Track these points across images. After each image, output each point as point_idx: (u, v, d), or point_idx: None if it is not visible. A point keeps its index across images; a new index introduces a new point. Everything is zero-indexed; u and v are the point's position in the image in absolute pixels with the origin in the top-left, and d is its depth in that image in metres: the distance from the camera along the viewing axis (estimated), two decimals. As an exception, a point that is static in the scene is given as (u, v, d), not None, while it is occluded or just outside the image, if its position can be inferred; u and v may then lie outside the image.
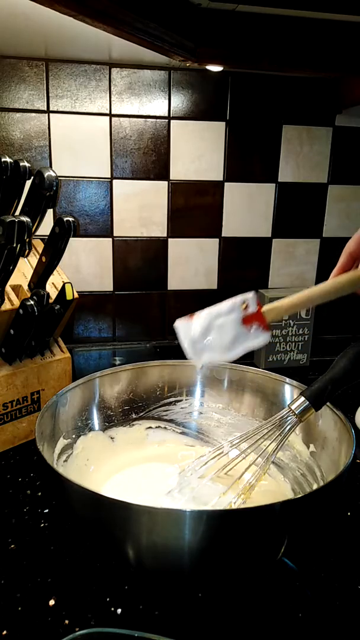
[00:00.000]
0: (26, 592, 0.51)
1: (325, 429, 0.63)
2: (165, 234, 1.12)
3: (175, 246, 1.13)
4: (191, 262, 1.15)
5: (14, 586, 0.51)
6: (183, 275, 1.15)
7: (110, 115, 1.03)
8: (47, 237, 0.73)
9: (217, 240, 1.15)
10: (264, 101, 1.08)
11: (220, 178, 1.11)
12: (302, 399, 0.57)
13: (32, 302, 0.68)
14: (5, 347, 0.73)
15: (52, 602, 0.49)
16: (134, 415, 0.74)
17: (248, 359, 1.10)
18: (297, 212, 1.16)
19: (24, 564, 0.54)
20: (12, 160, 0.71)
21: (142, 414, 0.75)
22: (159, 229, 1.11)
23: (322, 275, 1.19)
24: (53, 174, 0.69)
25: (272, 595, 0.51)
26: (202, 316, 0.55)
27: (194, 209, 1.11)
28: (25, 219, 0.61)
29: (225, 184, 1.11)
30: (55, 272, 0.78)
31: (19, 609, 0.49)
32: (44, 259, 0.75)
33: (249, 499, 0.58)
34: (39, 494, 0.66)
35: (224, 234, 1.14)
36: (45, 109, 1.00)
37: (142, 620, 0.48)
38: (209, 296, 1.17)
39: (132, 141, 1.05)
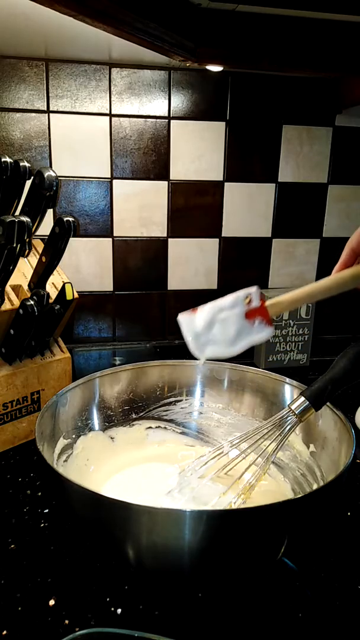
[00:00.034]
0: (26, 592, 0.51)
1: (325, 429, 0.63)
2: (165, 234, 1.12)
3: (175, 246, 1.13)
4: (191, 262, 1.15)
5: (14, 586, 0.51)
6: (183, 275, 1.15)
7: (110, 115, 1.03)
8: (47, 237, 0.73)
9: (217, 240, 1.15)
10: (264, 101, 1.08)
11: (220, 178, 1.11)
12: (302, 399, 0.57)
13: (32, 302, 0.68)
14: (5, 347, 0.73)
15: (52, 602, 0.49)
16: (134, 415, 0.74)
17: (248, 359, 1.10)
18: (297, 212, 1.16)
19: (24, 564, 0.54)
20: (12, 160, 0.71)
21: (142, 414, 0.75)
22: (159, 229, 1.11)
23: (322, 275, 1.19)
24: (53, 174, 0.69)
25: (272, 595, 0.51)
26: (205, 310, 0.55)
27: (194, 209, 1.11)
28: (25, 219, 0.61)
29: (225, 184, 1.11)
30: (55, 272, 0.78)
31: (19, 609, 0.49)
32: (44, 259, 0.75)
33: (249, 499, 0.58)
34: (39, 494, 0.66)
35: (224, 234, 1.14)
36: (45, 109, 1.00)
37: (142, 620, 0.48)
38: (209, 296, 1.16)
39: (132, 141, 1.05)
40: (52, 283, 0.82)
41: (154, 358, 1.09)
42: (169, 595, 0.51)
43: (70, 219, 0.70)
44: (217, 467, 0.61)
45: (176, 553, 0.47)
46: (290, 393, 0.69)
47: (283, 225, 1.17)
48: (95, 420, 0.70)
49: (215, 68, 0.94)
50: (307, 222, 1.18)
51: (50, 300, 0.74)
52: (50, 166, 1.03)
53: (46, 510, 0.62)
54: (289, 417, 0.57)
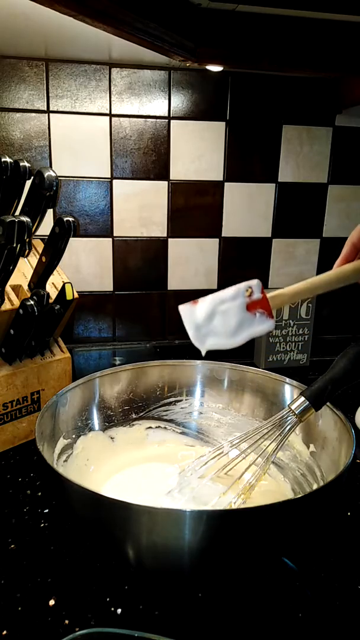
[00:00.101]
0: (26, 592, 0.51)
1: (325, 429, 0.63)
2: (165, 234, 1.12)
3: (175, 246, 1.13)
4: (191, 262, 1.15)
5: (14, 586, 0.51)
6: (183, 275, 1.15)
7: (110, 115, 1.03)
8: (47, 237, 0.73)
9: (217, 240, 1.15)
10: (264, 101, 1.08)
11: (220, 178, 1.11)
12: (302, 399, 0.57)
13: (32, 302, 0.68)
14: (5, 347, 0.73)
15: (52, 602, 0.49)
16: (134, 415, 0.74)
17: (248, 359, 1.10)
18: (297, 212, 1.16)
19: (24, 564, 0.54)
20: (12, 160, 0.71)
21: (142, 414, 0.75)
22: (159, 229, 1.11)
23: (322, 275, 1.19)
24: (53, 174, 0.69)
25: (272, 595, 0.51)
26: (207, 301, 0.55)
27: (194, 209, 1.11)
28: (25, 219, 0.61)
29: (225, 184, 1.11)
30: (55, 272, 0.78)
31: (19, 609, 0.49)
32: (44, 259, 0.75)
33: (249, 499, 0.58)
34: (39, 494, 0.66)
35: (224, 234, 1.14)
36: (45, 109, 1.00)
37: (142, 620, 0.48)
38: (209, 296, 1.17)
39: (132, 141, 1.05)
40: (52, 283, 0.82)
41: (154, 358, 1.09)
42: (169, 595, 0.51)
43: (70, 219, 0.70)
44: (217, 467, 0.61)
45: (176, 553, 0.47)
46: (290, 393, 0.69)
47: (283, 225, 1.17)
48: (95, 420, 0.70)
49: (215, 68, 0.94)
50: (307, 222, 1.18)
51: (50, 300, 0.74)
52: (50, 166, 1.03)
53: (46, 510, 0.62)
54: (289, 417, 0.57)
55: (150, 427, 0.75)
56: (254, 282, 0.54)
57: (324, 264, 1.20)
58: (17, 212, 0.75)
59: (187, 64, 0.82)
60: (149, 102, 1.04)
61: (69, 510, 0.57)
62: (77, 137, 1.03)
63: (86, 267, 1.10)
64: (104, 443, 0.70)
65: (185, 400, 0.76)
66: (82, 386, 0.68)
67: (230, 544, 0.48)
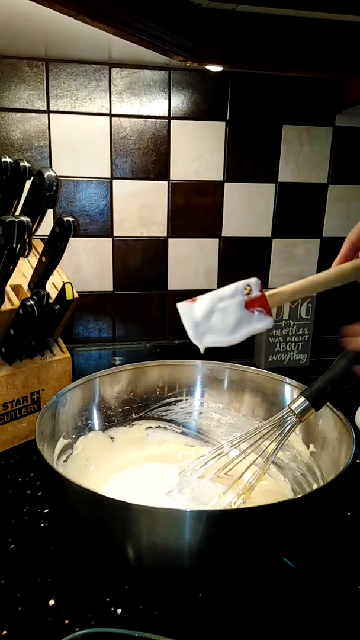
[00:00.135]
0: (26, 592, 0.51)
1: (325, 429, 0.63)
2: (165, 234, 1.12)
3: (175, 246, 1.13)
4: (191, 262, 1.15)
5: (14, 586, 0.51)
6: (183, 275, 1.15)
7: (110, 115, 1.03)
8: (47, 237, 0.73)
9: (217, 240, 1.15)
10: (264, 101, 1.08)
11: (220, 178, 1.11)
12: (302, 399, 0.57)
13: (32, 302, 0.68)
14: (5, 347, 0.73)
15: (52, 602, 0.49)
16: (134, 415, 0.74)
17: (248, 359, 1.10)
18: (297, 212, 1.16)
19: (24, 564, 0.54)
20: (12, 160, 0.71)
21: (142, 414, 0.75)
22: (159, 229, 1.11)
23: (322, 275, 1.19)
24: (53, 174, 0.69)
25: (272, 595, 0.51)
26: (205, 299, 0.55)
27: (194, 209, 1.11)
28: (25, 219, 0.61)
29: (225, 184, 1.11)
30: (55, 272, 0.78)
31: (19, 609, 0.49)
32: (44, 259, 0.75)
33: (249, 499, 0.58)
34: (39, 494, 0.66)
35: (224, 234, 1.14)
36: (45, 109, 1.00)
37: (142, 620, 0.48)
38: (209, 296, 1.17)
39: (132, 141, 1.05)
40: (52, 283, 0.82)
41: (154, 358, 1.09)
42: (169, 595, 0.51)
43: (70, 219, 0.70)
44: (217, 467, 0.61)
45: (176, 553, 0.47)
46: (290, 393, 0.69)
47: (283, 225, 1.17)
48: (95, 420, 0.70)
49: (215, 68, 0.94)
50: (307, 222, 1.18)
51: (50, 300, 0.74)
52: (50, 166, 1.03)
53: (46, 510, 0.62)
54: (289, 417, 0.57)
55: (150, 427, 0.75)
56: (253, 280, 0.55)
57: (324, 264, 1.20)
58: (17, 212, 0.75)
59: (187, 64, 0.82)
60: (149, 102, 1.04)
61: (69, 510, 0.57)
62: (77, 137, 1.03)
63: (86, 267, 1.10)
64: (104, 443, 0.70)
65: (185, 400, 0.76)
66: (82, 386, 0.68)
67: (230, 544, 0.48)
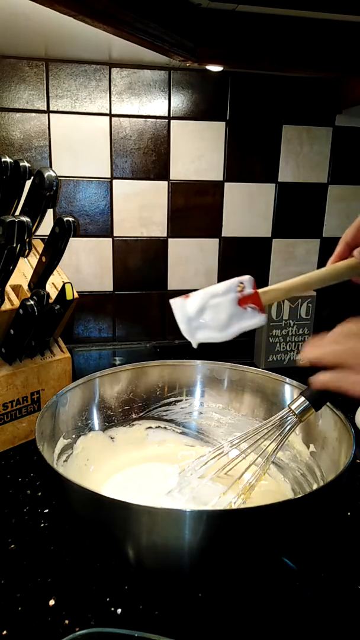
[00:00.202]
0: (26, 592, 0.51)
1: (325, 429, 0.63)
2: (165, 234, 1.12)
3: (175, 246, 1.13)
4: (191, 262, 1.15)
5: (14, 586, 0.51)
6: (183, 275, 1.15)
7: (110, 115, 1.03)
8: (47, 237, 0.73)
9: (217, 240, 1.15)
10: (264, 101, 1.08)
11: (220, 178, 1.11)
12: (302, 399, 0.57)
13: (32, 302, 0.68)
14: (5, 347, 0.73)
15: (52, 602, 0.49)
16: (134, 415, 0.74)
17: (248, 359, 1.10)
18: (297, 212, 1.16)
19: (24, 564, 0.54)
20: (12, 160, 0.71)
21: (142, 414, 0.75)
22: (159, 229, 1.11)
23: (322, 275, 1.19)
24: (53, 174, 0.69)
25: (272, 595, 0.51)
26: (198, 295, 0.56)
27: (194, 209, 1.11)
28: (25, 219, 0.61)
29: (225, 184, 1.11)
30: (55, 272, 0.78)
31: (19, 609, 0.49)
32: (44, 259, 0.75)
33: (249, 499, 0.58)
34: (39, 494, 0.66)
35: (224, 234, 1.14)
36: (45, 109, 1.00)
37: (142, 620, 0.48)
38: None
39: (132, 141, 1.05)
40: (52, 283, 0.82)
41: (154, 358, 1.09)
42: (169, 595, 0.51)
43: (70, 219, 0.70)
44: (217, 467, 0.61)
45: (176, 553, 0.47)
46: (290, 393, 0.69)
47: (283, 225, 1.17)
48: (95, 420, 0.70)
49: (215, 68, 0.94)
50: (307, 222, 1.18)
51: (50, 300, 0.74)
52: (50, 166, 1.03)
53: (46, 510, 0.62)
54: (289, 417, 0.57)
55: (150, 427, 0.75)
56: (246, 278, 0.55)
57: (324, 264, 1.19)
58: (17, 212, 0.75)
59: (187, 64, 0.83)
60: (149, 102, 1.04)
61: (69, 510, 0.57)
62: (77, 137, 1.03)
63: (86, 267, 1.10)
64: (104, 443, 0.70)
65: (185, 400, 0.76)
66: (82, 386, 0.68)
67: (230, 544, 0.48)
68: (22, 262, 0.80)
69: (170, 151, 1.07)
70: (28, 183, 0.72)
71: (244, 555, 0.50)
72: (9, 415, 0.74)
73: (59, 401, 0.63)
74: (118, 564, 0.54)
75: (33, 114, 1.00)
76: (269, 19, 0.77)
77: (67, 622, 0.47)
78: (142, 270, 1.13)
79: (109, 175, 1.06)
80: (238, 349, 1.06)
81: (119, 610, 0.49)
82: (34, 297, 0.70)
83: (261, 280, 1.19)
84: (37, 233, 0.76)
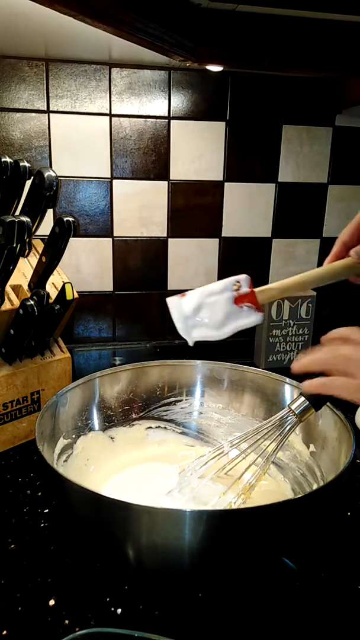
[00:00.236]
0: (26, 592, 0.51)
1: (325, 429, 0.63)
2: (165, 234, 1.12)
3: (175, 246, 1.13)
4: (191, 262, 1.15)
5: (14, 586, 0.51)
6: (183, 275, 1.15)
7: (110, 115, 1.03)
8: (47, 237, 0.73)
9: (217, 240, 1.15)
10: (264, 101, 1.08)
11: (220, 178, 1.11)
12: (302, 399, 0.57)
13: (32, 302, 0.68)
14: (5, 347, 0.73)
15: (52, 602, 0.49)
16: (134, 415, 0.74)
17: (248, 359, 1.10)
18: (297, 212, 1.16)
19: (24, 564, 0.54)
20: (12, 160, 0.71)
21: (142, 414, 0.75)
22: (159, 229, 1.11)
23: (322, 275, 1.19)
24: (53, 174, 0.69)
25: (272, 595, 0.51)
26: (194, 294, 0.56)
27: (194, 209, 1.11)
28: (25, 219, 0.61)
29: (225, 184, 1.11)
30: (55, 272, 0.78)
31: (19, 609, 0.49)
32: (44, 259, 0.75)
33: (249, 499, 0.58)
34: (39, 494, 0.66)
35: (224, 234, 1.14)
36: (45, 109, 1.00)
37: (142, 620, 0.48)
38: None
39: (132, 141, 1.05)
40: (52, 283, 0.82)
41: (154, 358, 1.09)
42: (169, 595, 0.51)
43: (70, 219, 0.70)
44: (217, 467, 0.61)
45: (176, 553, 0.47)
46: (290, 393, 0.69)
47: (283, 225, 1.17)
48: (95, 420, 0.70)
49: (215, 68, 0.94)
50: (307, 222, 1.18)
51: (50, 300, 0.74)
52: (50, 166, 1.03)
53: (46, 510, 0.62)
54: (289, 417, 0.57)
55: (150, 427, 0.75)
56: (243, 277, 0.55)
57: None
58: (17, 212, 0.75)
59: (187, 64, 0.82)
60: (149, 102, 1.04)
61: (69, 510, 0.57)
62: (77, 137, 1.03)
63: (86, 267, 1.10)
64: (104, 443, 0.70)
65: (185, 400, 0.76)
66: (82, 386, 0.68)
67: (230, 544, 0.48)
68: (22, 262, 0.80)
69: (170, 151, 1.07)
70: (28, 183, 0.72)
71: (244, 555, 0.50)
72: (9, 415, 0.74)
73: (59, 401, 0.63)
74: (118, 564, 0.54)
75: (33, 114, 1.00)
76: (269, 19, 0.77)
77: (67, 622, 0.47)
78: (142, 270, 1.13)
79: (109, 175, 1.06)
80: (238, 349, 1.06)
81: (119, 610, 0.49)
82: (34, 297, 0.70)
83: (261, 280, 1.19)
84: (37, 233, 0.76)
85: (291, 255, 1.19)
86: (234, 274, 0.58)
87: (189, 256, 1.14)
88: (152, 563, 0.51)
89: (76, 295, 0.76)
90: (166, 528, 0.46)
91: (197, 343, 0.57)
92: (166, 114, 1.05)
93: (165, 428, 0.75)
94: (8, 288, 0.73)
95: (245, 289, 0.55)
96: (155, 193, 1.09)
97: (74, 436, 0.66)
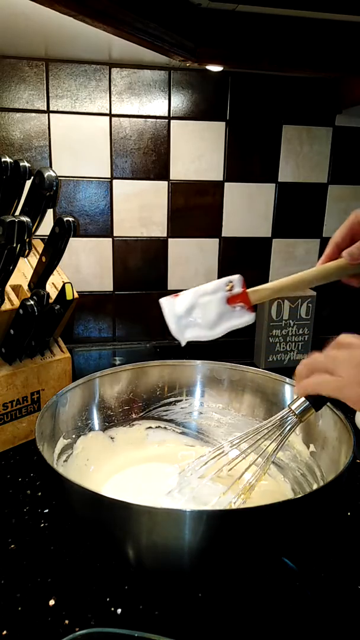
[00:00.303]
0: (26, 592, 0.51)
1: (325, 429, 0.63)
2: (165, 234, 1.12)
3: (175, 246, 1.13)
4: (191, 262, 1.15)
5: (14, 586, 0.51)
6: (183, 275, 1.15)
7: (110, 115, 1.03)
8: (47, 237, 0.73)
9: (217, 240, 1.15)
10: (264, 101, 1.08)
11: (220, 178, 1.11)
12: (302, 399, 0.57)
13: (32, 302, 0.68)
14: (5, 347, 0.73)
15: (52, 602, 0.49)
16: (134, 415, 0.74)
17: (248, 359, 1.10)
18: (297, 212, 1.16)
19: (24, 564, 0.54)
20: (12, 160, 0.71)
21: (142, 414, 0.75)
22: (159, 229, 1.11)
23: (322, 275, 1.19)
24: (53, 174, 0.69)
25: (272, 595, 0.51)
26: (187, 294, 0.56)
27: (194, 209, 1.11)
28: (25, 219, 0.61)
29: (225, 184, 1.11)
30: (55, 272, 0.78)
31: (19, 609, 0.49)
32: (44, 259, 0.75)
33: (249, 499, 0.58)
34: (39, 494, 0.66)
35: (224, 234, 1.14)
36: (45, 109, 1.00)
37: (142, 620, 0.48)
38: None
39: (132, 141, 1.05)
40: (52, 283, 0.82)
41: (154, 358, 1.09)
42: (169, 595, 0.51)
43: (70, 219, 0.70)
44: (217, 467, 0.61)
45: (176, 553, 0.47)
46: (290, 393, 0.69)
47: (283, 225, 1.17)
48: (95, 420, 0.70)
49: (215, 68, 0.94)
50: (307, 222, 1.18)
51: (50, 300, 0.74)
52: (50, 166, 1.03)
53: (46, 510, 0.62)
54: (289, 417, 0.57)
55: (150, 427, 0.75)
56: (235, 277, 0.56)
57: (324, 264, 1.20)
58: (17, 212, 0.75)
59: (187, 64, 0.82)
60: (149, 102, 1.04)
61: (69, 510, 0.57)
62: (77, 137, 1.03)
63: (86, 267, 1.10)
64: (104, 443, 0.70)
65: (185, 400, 0.76)
66: (82, 386, 0.68)
67: (230, 544, 0.48)
68: (22, 262, 0.80)
69: (170, 151, 1.07)
70: (28, 183, 0.72)
71: (244, 555, 0.50)
72: (9, 415, 0.74)
73: (59, 401, 0.63)
74: (118, 564, 0.54)
75: (33, 114, 1.00)
76: (269, 19, 0.77)
77: (67, 622, 0.47)
78: (142, 270, 1.13)
79: (109, 175, 1.06)
80: (238, 349, 1.06)
81: (119, 610, 0.49)
82: (34, 297, 0.70)
83: (261, 280, 1.19)
84: (37, 233, 0.76)
85: (291, 255, 1.19)
86: (234, 274, 0.58)
87: (189, 256, 1.14)
88: (152, 563, 0.51)
89: (76, 295, 0.76)
90: (166, 528, 0.46)
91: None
92: (166, 114, 1.05)
93: (165, 428, 0.75)
94: (8, 288, 0.73)
95: (238, 289, 0.56)
96: (155, 193, 1.09)
97: (74, 436, 0.66)
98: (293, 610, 0.49)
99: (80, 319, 1.13)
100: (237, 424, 0.73)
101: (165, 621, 0.48)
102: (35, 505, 0.63)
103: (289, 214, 1.16)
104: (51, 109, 1.00)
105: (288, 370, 0.74)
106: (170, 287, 1.15)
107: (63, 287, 0.74)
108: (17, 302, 0.72)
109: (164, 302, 0.57)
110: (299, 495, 0.60)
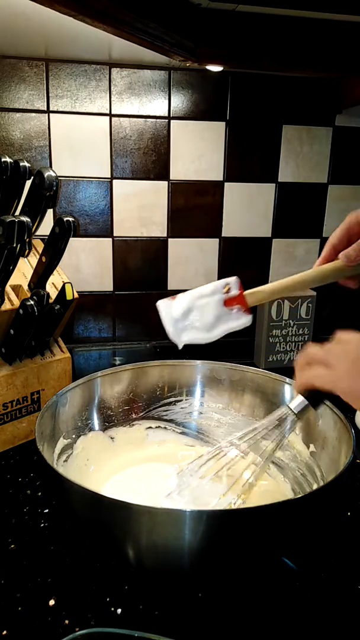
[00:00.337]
0: (26, 592, 0.51)
1: (325, 429, 0.63)
2: (165, 234, 1.12)
3: (175, 246, 1.13)
4: (191, 262, 1.15)
5: (14, 586, 0.51)
6: (183, 275, 1.15)
7: (110, 115, 1.03)
8: (47, 237, 0.73)
9: (217, 240, 1.15)
10: (264, 101, 1.08)
11: (220, 178, 1.11)
12: (301, 398, 0.56)
13: (32, 302, 0.68)
14: (5, 347, 0.73)
15: (52, 602, 0.49)
16: (134, 415, 0.74)
17: (248, 359, 1.10)
18: (297, 212, 1.16)
19: (24, 564, 0.54)
20: (12, 160, 0.71)
21: (142, 414, 0.75)
22: (159, 229, 1.11)
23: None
24: (53, 174, 0.69)
25: (272, 595, 0.51)
26: (184, 297, 0.56)
27: (194, 209, 1.11)
28: (25, 219, 0.61)
29: (225, 184, 1.11)
30: (55, 272, 0.78)
31: (19, 609, 0.49)
32: (44, 259, 0.75)
33: (249, 499, 0.58)
34: (39, 494, 0.66)
35: (224, 234, 1.14)
36: (45, 109, 1.00)
37: (142, 620, 0.48)
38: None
39: (132, 141, 1.05)
40: (52, 283, 0.82)
41: (154, 358, 1.09)
42: (169, 595, 0.51)
43: (70, 219, 0.70)
44: (217, 467, 0.61)
45: (176, 553, 0.47)
46: (290, 393, 0.69)
47: (283, 225, 1.17)
48: (95, 420, 0.70)
49: (215, 68, 0.94)
50: (307, 222, 1.18)
51: (50, 300, 0.74)
52: (50, 166, 1.03)
53: (46, 510, 0.62)
54: (288, 416, 0.57)
55: (150, 427, 0.75)
56: (232, 279, 0.56)
57: (324, 264, 1.20)
58: (17, 212, 0.75)
59: (187, 64, 0.82)
60: (149, 102, 1.04)
61: (69, 510, 0.57)
62: (77, 137, 1.03)
63: (86, 267, 1.10)
64: (104, 443, 0.70)
65: (185, 400, 0.76)
66: (82, 386, 0.68)
67: (230, 544, 0.48)
68: (22, 262, 0.80)
69: (170, 151, 1.07)
70: (28, 183, 0.72)
71: (244, 555, 0.50)
72: (9, 415, 0.74)
73: (59, 401, 0.63)
74: (118, 564, 0.54)
75: (33, 114, 1.00)
76: (269, 19, 0.77)
77: (67, 622, 0.47)
78: (142, 270, 1.13)
79: (109, 175, 1.06)
80: (238, 349, 1.06)
81: (119, 610, 0.49)
82: (34, 297, 0.70)
83: (261, 280, 1.19)
84: (37, 233, 0.76)
85: (291, 255, 1.19)
86: (234, 274, 0.58)
87: (189, 256, 1.14)
88: (152, 563, 0.51)
89: (76, 295, 0.76)
90: (166, 528, 0.46)
91: (183, 344, 0.57)
92: (166, 114, 1.05)
93: (165, 428, 0.75)
94: (8, 288, 0.73)
95: (235, 291, 0.56)
96: (155, 193, 1.09)
97: (74, 436, 0.66)
98: (293, 610, 0.49)
99: (80, 319, 1.13)
100: (237, 424, 0.73)
101: (165, 621, 0.48)
102: (35, 505, 0.63)
103: (289, 214, 1.16)
104: (51, 109, 1.00)
105: (288, 370, 0.74)
106: (170, 287, 1.15)
107: (63, 287, 0.74)
108: (17, 302, 0.72)
109: (161, 305, 0.57)
110: (299, 495, 0.60)
